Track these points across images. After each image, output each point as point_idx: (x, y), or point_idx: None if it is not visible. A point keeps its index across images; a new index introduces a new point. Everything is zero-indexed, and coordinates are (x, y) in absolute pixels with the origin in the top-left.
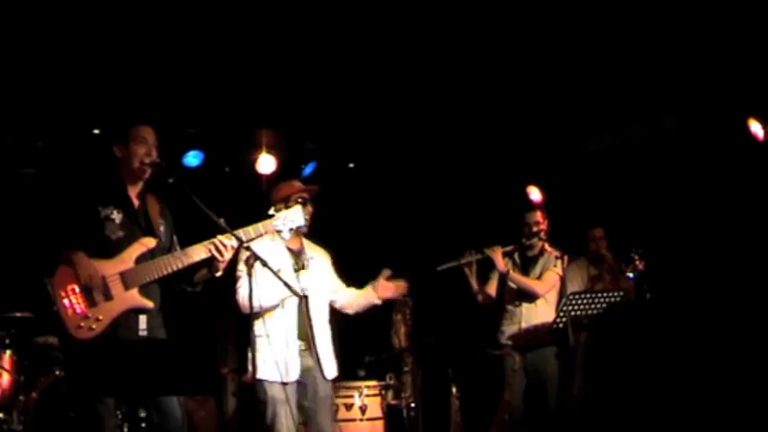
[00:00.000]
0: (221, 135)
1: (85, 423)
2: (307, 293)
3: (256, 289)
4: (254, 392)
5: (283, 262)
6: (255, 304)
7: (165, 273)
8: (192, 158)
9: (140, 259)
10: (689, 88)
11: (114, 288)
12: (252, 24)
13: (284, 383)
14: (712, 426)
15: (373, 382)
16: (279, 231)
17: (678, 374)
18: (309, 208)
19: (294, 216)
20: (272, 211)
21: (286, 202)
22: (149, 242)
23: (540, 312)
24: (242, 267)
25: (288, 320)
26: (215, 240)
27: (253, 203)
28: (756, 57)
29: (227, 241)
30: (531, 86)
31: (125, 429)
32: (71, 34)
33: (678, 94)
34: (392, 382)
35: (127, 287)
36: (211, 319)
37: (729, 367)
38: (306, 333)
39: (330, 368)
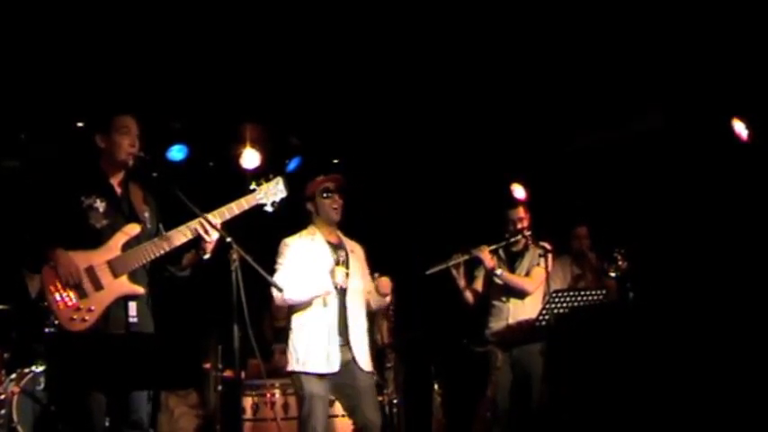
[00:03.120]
0: (206, 129)
1: (72, 417)
2: (344, 286)
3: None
4: (294, 386)
5: (324, 256)
6: (285, 299)
7: (152, 257)
8: (177, 153)
9: (126, 246)
10: (674, 87)
11: (104, 277)
12: (237, 19)
13: (321, 375)
14: (696, 424)
15: None
16: (262, 205)
17: (660, 373)
18: (338, 198)
19: (276, 189)
20: (253, 185)
21: (313, 199)
22: (134, 229)
23: (527, 309)
24: (281, 260)
25: (327, 314)
26: (200, 219)
27: (237, 198)
28: (741, 57)
29: (213, 219)
30: (516, 84)
31: (106, 423)
32: (55, 27)
33: (663, 94)
34: (375, 378)
35: (116, 275)
36: (195, 313)
37: (712, 366)
38: (344, 327)
39: (365, 362)
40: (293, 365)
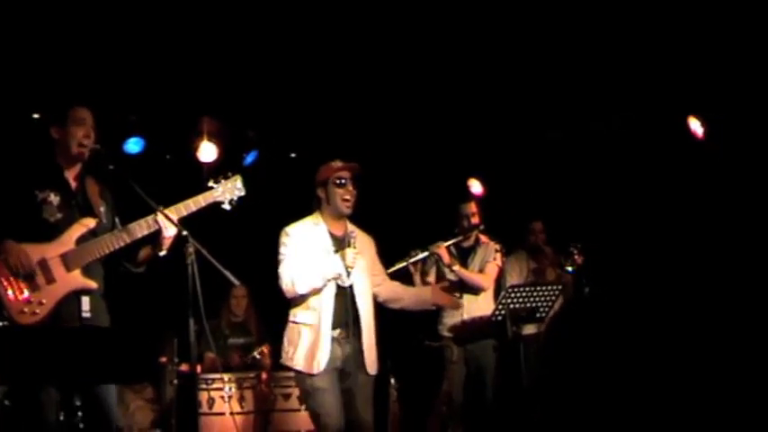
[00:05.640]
0: (163, 122)
1: (23, 411)
2: (349, 282)
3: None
4: (297, 382)
5: (323, 246)
6: (296, 290)
7: (106, 251)
8: (133, 145)
9: (81, 240)
10: (630, 85)
11: (56, 270)
12: (194, 12)
13: (315, 374)
14: (652, 415)
15: None
16: (220, 203)
17: (615, 367)
18: (351, 188)
19: (234, 187)
20: (211, 183)
21: (325, 186)
22: (89, 222)
23: (481, 304)
24: (283, 251)
25: (326, 307)
26: (157, 214)
27: (194, 192)
28: (697, 56)
29: (170, 215)
30: (475, 81)
31: (61, 418)
32: (11, 19)
33: (619, 91)
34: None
35: (69, 269)
36: (150, 307)
37: (666, 359)
38: (345, 321)
39: (372, 362)
40: (288, 361)
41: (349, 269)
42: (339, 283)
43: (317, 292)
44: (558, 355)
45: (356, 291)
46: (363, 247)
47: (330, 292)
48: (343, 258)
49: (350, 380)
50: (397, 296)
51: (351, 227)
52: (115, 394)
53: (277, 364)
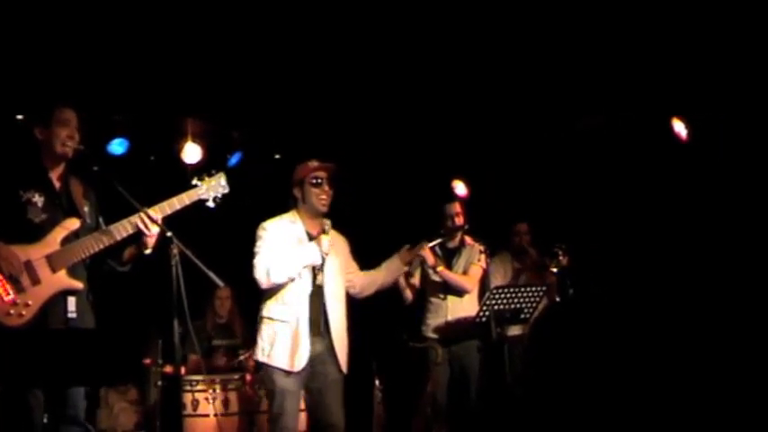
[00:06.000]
0: (147, 123)
1: (10, 414)
2: (321, 279)
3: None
4: (263, 379)
5: (299, 243)
6: (270, 279)
7: (91, 252)
8: (117, 146)
9: (65, 241)
10: (615, 86)
11: (41, 272)
12: (178, 12)
13: (290, 372)
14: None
15: None
16: (204, 201)
17: (600, 368)
18: (327, 188)
19: (218, 185)
20: (194, 181)
21: (302, 185)
22: (73, 223)
23: (465, 306)
24: (259, 243)
25: (300, 305)
26: (140, 214)
27: (177, 193)
28: (681, 57)
29: (154, 214)
30: (460, 82)
31: (44, 420)
32: None
33: (604, 92)
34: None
35: (54, 270)
36: (135, 308)
37: (652, 359)
38: (317, 319)
39: (343, 361)
40: (261, 357)
41: (324, 255)
42: (315, 281)
43: (291, 286)
44: (541, 357)
45: (328, 290)
46: (337, 247)
47: (306, 288)
48: (319, 245)
49: (319, 380)
50: (371, 279)
51: (326, 221)
52: (82, 395)
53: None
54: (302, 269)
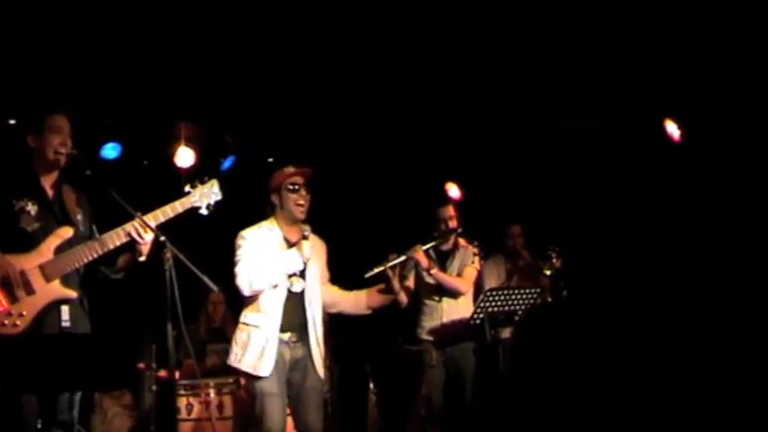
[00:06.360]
0: (140, 127)
1: (5, 420)
2: (300, 285)
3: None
4: (246, 385)
5: (278, 251)
6: (253, 287)
7: (84, 261)
8: (110, 150)
9: (59, 250)
10: (608, 88)
11: (35, 281)
12: (171, 16)
13: (263, 377)
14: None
15: None
16: (197, 208)
17: (593, 370)
18: (304, 193)
19: (211, 192)
20: (187, 188)
21: (279, 192)
22: (66, 232)
23: (460, 308)
24: (239, 252)
25: (274, 311)
26: (134, 222)
27: (171, 197)
28: (674, 58)
29: (148, 221)
30: (453, 84)
31: (38, 425)
32: None
33: (597, 94)
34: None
35: (48, 279)
36: (129, 313)
37: (644, 362)
38: (297, 324)
39: (320, 367)
40: (233, 362)
41: (306, 261)
42: (290, 287)
43: (267, 292)
44: (529, 358)
45: (307, 296)
46: (317, 252)
47: (281, 295)
48: (300, 251)
49: (297, 387)
50: (333, 300)
51: (306, 226)
52: (75, 400)
53: None
54: (284, 276)
